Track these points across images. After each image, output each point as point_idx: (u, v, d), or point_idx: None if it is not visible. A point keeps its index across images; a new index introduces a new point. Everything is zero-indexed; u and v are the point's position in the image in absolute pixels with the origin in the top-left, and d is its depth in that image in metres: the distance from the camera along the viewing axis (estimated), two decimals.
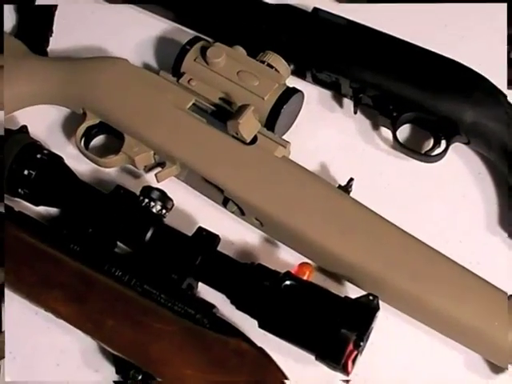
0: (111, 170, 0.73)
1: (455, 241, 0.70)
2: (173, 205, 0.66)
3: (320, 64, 0.74)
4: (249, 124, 0.68)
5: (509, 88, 0.74)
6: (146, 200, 0.64)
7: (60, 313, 0.61)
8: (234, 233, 0.70)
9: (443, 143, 0.72)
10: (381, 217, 0.66)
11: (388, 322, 0.65)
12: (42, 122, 0.76)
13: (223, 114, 0.70)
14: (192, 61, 0.72)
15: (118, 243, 0.65)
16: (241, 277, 0.61)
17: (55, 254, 0.63)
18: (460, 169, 0.74)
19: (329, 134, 0.76)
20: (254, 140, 0.68)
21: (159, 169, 0.70)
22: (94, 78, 0.72)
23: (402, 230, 0.65)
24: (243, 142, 0.68)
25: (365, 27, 0.74)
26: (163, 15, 0.82)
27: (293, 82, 0.75)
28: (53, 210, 0.70)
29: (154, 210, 0.65)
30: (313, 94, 0.78)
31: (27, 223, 0.65)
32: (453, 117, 0.70)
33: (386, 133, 0.75)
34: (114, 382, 0.63)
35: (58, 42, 0.82)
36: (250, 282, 0.60)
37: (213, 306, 0.62)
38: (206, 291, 0.64)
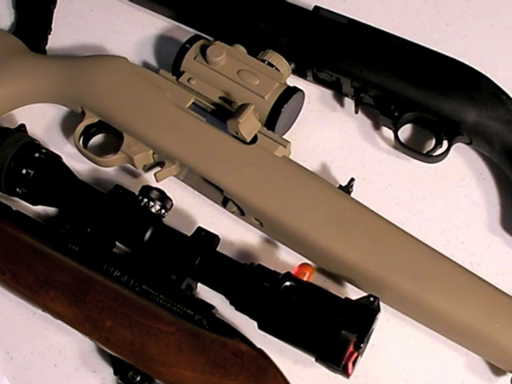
0: (110, 170, 0.73)
1: (457, 242, 0.70)
2: (172, 204, 0.66)
3: (321, 63, 0.73)
4: (249, 123, 0.67)
5: None
6: (145, 200, 0.64)
7: (58, 313, 0.61)
8: (234, 233, 0.70)
9: (445, 143, 0.72)
10: (382, 217, 0.65)
11: (389, 324, 0.65)
12: (41, 121, 0.76)
13: (223, 113, 0.70)
14: (192, 59, 0.72)
15: (117, 243, 0.65)
16: (240, 277, 0.60)
17: (53, 253, 0.62)
18: (462, 169, 0.73)
19: (329, 134, 0.75)
20: (254, 139, 0.68)
21: (158, 168, 0.70)
22: (92, 77, 0.72)
23: (403, 230, 0.65)
24: (243, 141, 0.68)
25: (366, 26, 0.74)
26: (163, 13, 0.82)
27: (293, 81, 0.74)
28: (51, 210, 0.70)
29: (153, 210, 0.64)
30: (314, 93, 0.77)
31: (25, 223, 0.65)
32: (455, 117, 0.69)
33: (388, 133, 0.75)
34: None
35: (57, 40, 0.81)
36: (249, 282, 0.60)
37: (212, 307, 0.61)
38: (205, 292, 0.64)
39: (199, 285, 0.64)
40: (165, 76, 0.72)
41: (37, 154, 0.67)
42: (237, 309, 0.61)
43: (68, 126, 0.75)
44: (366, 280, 0.64)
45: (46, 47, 0.80)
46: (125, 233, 0.64)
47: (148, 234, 0.63)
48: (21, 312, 0.67)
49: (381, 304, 0.59)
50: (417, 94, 0.70)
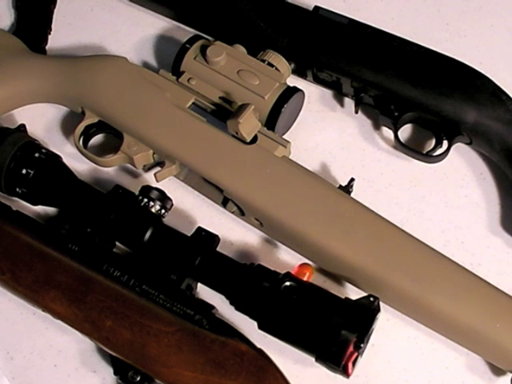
0: (110, 170, 0.73)
1: (457, 242, 0.69)
2: (172, 204, 0.66)
3: (321, 63, 0.73)
4: (249, 123, 0.67)
5: None
6: (145, 200, 0.64)
7: (58, 313, 0.61)
8: (234, 233, 0.70)
9: (445, 143, 0.72)
10: (382, 217, 0.65)
11: (389, 324, 0.65)
12: (41, 121, 0.76)
13: (223, 113, 0.70)
14: (192, 59, 0.72)
15: (117, 243, 0.65)
16: (240, 277, 0.60)
17: (53, 253, 0.62)
18: (462, 169, 0.73)
19: (329, 134, 0.75)
20: (254, 139, 0.68)
21: (158, 168, 0.70)
22: (92, 77, 0.72)
23: (403, 230, 0.65)
24: (243, 141, 0.68)
25: (366, 26, 0.73)
26: (163, 13, 0.82)
27: (293, 81, 0.74)
28: (51, 210, 0.70)
29: (153, 210, 0.64)
30: (314, 93, 0.77)
31: (25, 223, 0.65)
32: (455, 117, 0.69)
33: (388, 132, 0.75)
34: None
35: (57, 40, 0.81)
36: (249, 282, 0.60)
37: (212, 307, 0.61)
38: (205, 292, 0.64)
39: (199, 285, 0.64)
40: (165, 76, 0.72)
41: (37, 154, 0.66)
42: (237, 309, 0.61)
43: (68, 125, 0.75)
44: (366, 280, 0.64)
45: (46, 47, 0.80)
46: (125, 233, 0.64)
47: (148, 234, 0.63)
48: (21, 312, 0.67)
49: (381, 304, 0.59)
50: (417, 94, 0.70)
